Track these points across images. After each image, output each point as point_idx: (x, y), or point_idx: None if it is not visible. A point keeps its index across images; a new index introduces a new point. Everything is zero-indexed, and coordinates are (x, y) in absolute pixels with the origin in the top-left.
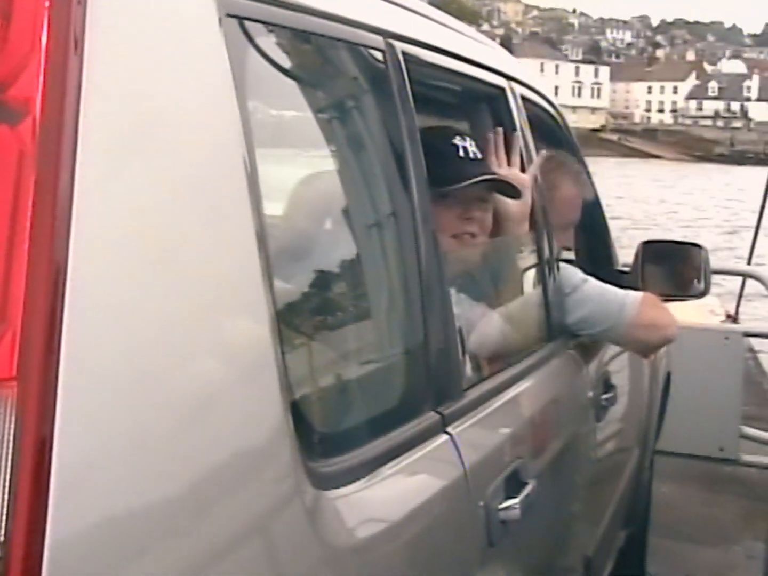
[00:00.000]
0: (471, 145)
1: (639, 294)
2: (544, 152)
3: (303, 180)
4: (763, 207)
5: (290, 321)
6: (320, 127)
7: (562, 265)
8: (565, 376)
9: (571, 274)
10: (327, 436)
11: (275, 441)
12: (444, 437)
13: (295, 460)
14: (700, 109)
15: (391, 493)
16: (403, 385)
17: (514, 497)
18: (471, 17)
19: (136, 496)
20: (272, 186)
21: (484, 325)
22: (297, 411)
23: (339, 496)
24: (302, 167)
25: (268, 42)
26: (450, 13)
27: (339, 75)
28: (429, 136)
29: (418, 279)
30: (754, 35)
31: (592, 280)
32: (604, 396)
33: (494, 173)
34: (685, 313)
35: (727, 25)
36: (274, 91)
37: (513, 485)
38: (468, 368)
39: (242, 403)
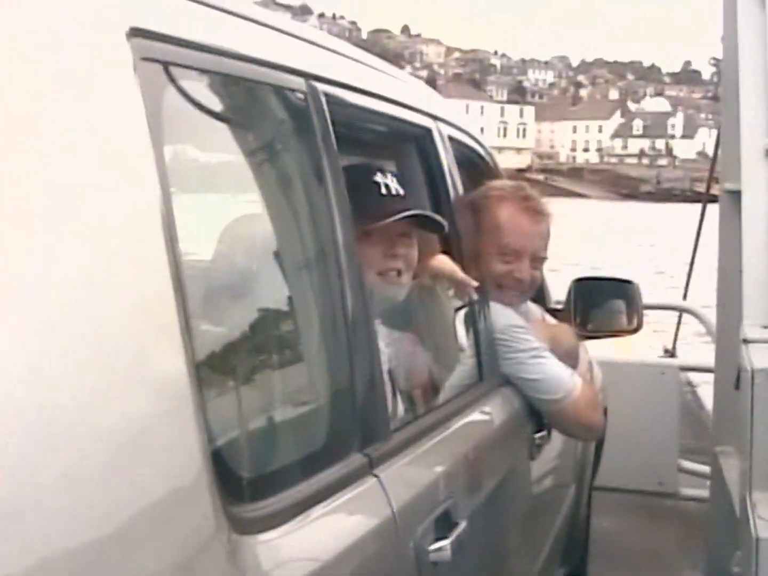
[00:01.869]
0: (393, 181)
1: (580, 389)
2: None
3: (226, 223)
4: (696, 243)
5: (212, 364)
6: (241, 170)
7: (522, 327)
8: (497, 415)
9: (530, 337)
10: (250, 481)
11: (194, 487)
12: (371, 479)
13: (215, 506)
14: (626, 147)
15: (317, 536)
16: (329, 428)
17: (445, 538)
18: (394, 59)
19: (51, 543)
20: (192, 229)
21: (414, 364)
22: (218, 456)
23: (262, 541)
24: (223, 211)
25: (186, 86)
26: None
27: (259, 118)
28: (350, 174)
29: (343, 319)
30: (673, 74)
31: (548, 353)
32: (538, 434)
33: (417, 209)
34: (623, 348)
35: (646, 64)
36: (192, 135)
37: (444, 525)
38: (397, 409)
39: (160, 448)
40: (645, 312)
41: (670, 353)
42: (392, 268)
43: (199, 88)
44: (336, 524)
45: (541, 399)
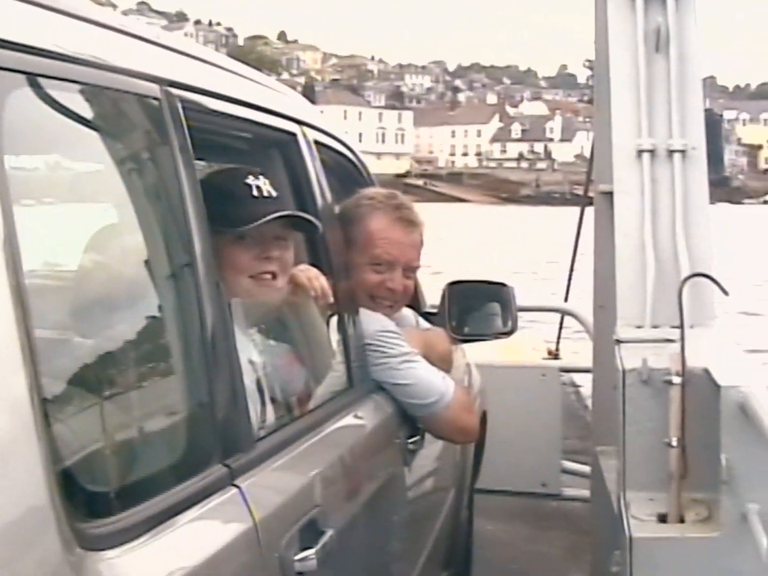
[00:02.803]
0: (265, 183)
1: (453, 392)
2: (365, 191)
3: (75, 235)
4: (576, 245)
5: (63, 375)
6: (90, 180)
7: (393, 332)
8: (368, 421)
9: (400, 342)
10: (100, 495)
11: (38, 503)
12: (232, 490)
13: (59, 522)
14: (504, 151)
15: (173, 550)
16: (187, 439)
17: (311, 547)
18: (271, 66)
19: None
20: (34, 241)
21: (284, 373)
22: (67, 471)
23: (111, 557)
24: (71, 222)
25: (32, 93)
26: (249, 63)
27: (110, 126)
28: (221, 178)
29: (201, 330)
30: (549, 77)
31: (420, 357)
32: (411, 439)
33: (289, 210)
34: (507, 351)
35: (522, 68)
36: (39, 144)
37: (309, 535)
38: (263, 418)
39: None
40: (530, 315)
41: (554, 355)
42: (266, 271)
43: (48, 96)
44: (194, 537)
45: (412, 404)
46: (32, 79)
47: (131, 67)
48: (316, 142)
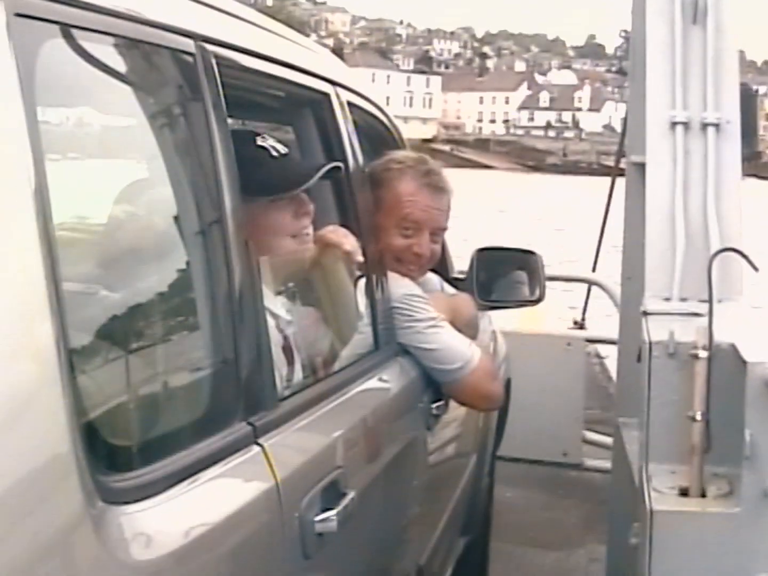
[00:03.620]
0: (274, 141)
1: (478, 358)
2: (393, 153)
3: (105, 188)
4: (606, 216)
5: (88, 329)
6: (121, 134)
7: (420, 296)
8: (392, 384)
9: (427, 307)
10: (123, 449)
11: (61, 456)
12: (255, 449)
13: (82, 475)
14: (532, 119)
15: (194, 506)
16: (210, 396)
17: (332, 508)
18: (299, 27)
19: None
20: (65, 194)
21: (311, 333)
22: (90, 425)
23: (133, 511)
24: (102, 176)
25: (65, 45)
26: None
27: (143, 80)
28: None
29: (227, 287)
30: (578, 47)
31: (446, 323)
32: (435, 404)
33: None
34: (532, 319)
35: (550, 37)
36: (71, 96)
37: (331, 496)
38: (288, 378)
39: (24, 416)
40: (557, 285)
41: (580, 325)
42: (305, 226)
43: (81, 48)
44: (215, 494)
45: (437, 369)
46: (66, 29)
47: (166, 21)
48: (349, 104)
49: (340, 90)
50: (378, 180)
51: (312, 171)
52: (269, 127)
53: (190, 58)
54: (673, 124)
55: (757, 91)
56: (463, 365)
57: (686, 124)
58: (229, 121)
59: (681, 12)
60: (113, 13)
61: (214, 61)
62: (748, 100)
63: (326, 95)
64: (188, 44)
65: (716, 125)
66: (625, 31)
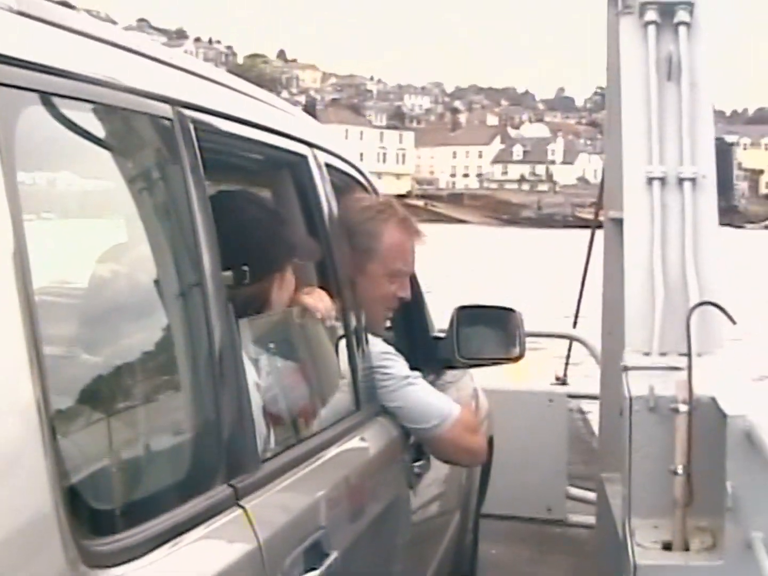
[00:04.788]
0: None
1: (457, 414)
2: (366, 199)
3: (85, 251)
4: (585, 271)
5: (72, 391)
6: (102, 198)
7: (394, 354)
8: (373, 444)
9: (401, 365)
10: (105, 513)
11: (43, 519)
12: (237, 511)
13: (64, 539)
14: (506, 173)
15: (178, 569)
16: (192, 458)
17: (315, 569)
18: (270, 84)
19: None
20: (46, 257)
21: (292, 394)
22: (73, 488)
23: (118, 575)
24: (82, 239)
25: (45, 111)
26: (250, 81)
27: (122, 145)
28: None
29: (208, 349)
30: (547, 100)
31: (421, 380)
32: (417, 463)
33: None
34: (514, 375)
35: (520, 90)
36: (52, 161)
37: (314, 557)
38: (269, 439)
39: (3, 480)
40: (539, 339)
41: (562, 381)
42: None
43: (60, 115)
44: (198, 557)
45: (414, 427)
46: (45, 97)
47: (144, 87)
48: (327, 165)
49: (317, 151)
50: (362, 231)
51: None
52: (247, 189)
53: (168, 123)
54: (650, 180)
55: (732, 144)
56: (439, 422)
57: (663, 179)
58: (208, 184)
59: (656, 69)
60: (91, 81)
61: (191, 126)
62: (724, 153)
63: (304, 157)
64: (166, 110)
65: (693, 180)
66: (600, 88)
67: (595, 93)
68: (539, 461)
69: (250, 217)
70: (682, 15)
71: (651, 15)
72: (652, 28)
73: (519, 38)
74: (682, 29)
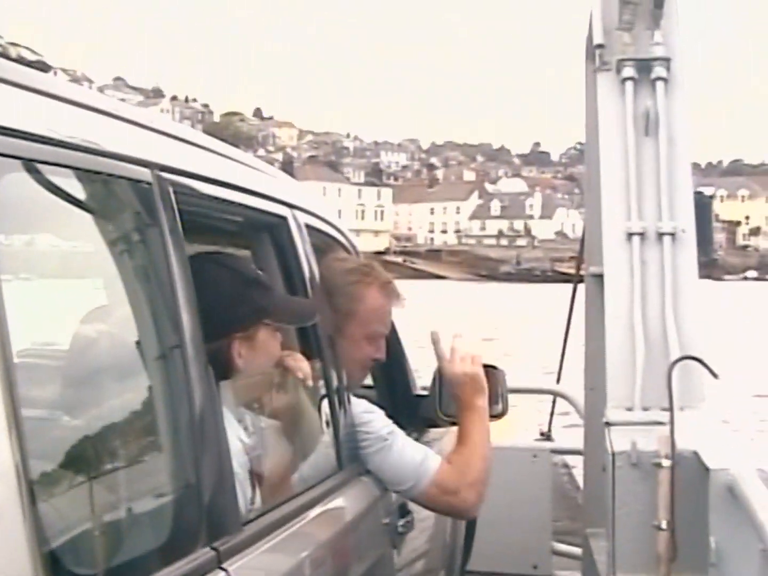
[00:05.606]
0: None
1: (431, 475)
2: (348, 261)
3: (65, 314)
4: (568, 326)
5: (50, 455)
6: (81, 261)
7: (373, 410)
8: (356, 505)
9: (382, 422)
10: None
11: None
12: (220, 574)
13: None
14: (484, 228)
15: None
16: (174, 522)
17: None
18: (247, 142)
19: None
20: (25, 319)
21: (274, 456)
22: (52, 554)
23: None
24: (62, 302)
25: (24, 177)
26: (225, 139)
27: (101, 209)
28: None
29: (189, 411)
30: (523, 155)
31: (397, 432)
32: (401, 521)
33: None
34: (498, 431)
35: (496, 146)
36: (31, 225)
37: None
38: (251, 501)
39: None
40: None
41: (546, 436)
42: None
43: (40, 180)
44: None
45: (393, 489)
46: (26, 163)
47: (123, 151)
48: (307, 226)
49: (297, 212)
50: (346, 293)
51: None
52: (228, 251)
53: (147, 187)
54: (629, 235)
55: (711, 197)
56: (413, 484)
57: (642, 235)
58: (187, 246)
59: (633, 124)
60: (70, 146)
61: (171, 189)
62: (703, 206)
63: (284, 218)
64: (145, 173)
65: (672, 234)
66: (580, 143)
67: (571, 148)
68: (524, 517)
69: (207, 278)
70: (659, 71)
71: (628, 71)
72: (629, 84)
73: (492, 93)
74: (659, 85)
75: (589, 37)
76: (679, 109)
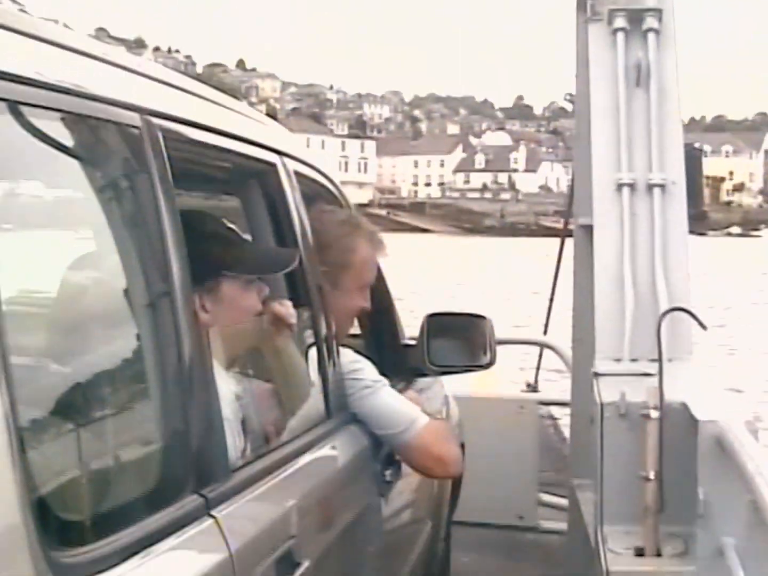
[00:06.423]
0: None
1: (427, 422)
2: (337, 212)
3: (53, 262)
4: (556, 278)
5: (39, 402)
6: (69, 207)
7: (360, 359)
8: (344, 453)
9: (371, 372)
10: (75, 524)
11: (11, 531)
12: (208, 521)
13: (33, 551)
14: (468, 181)
15: None
16: (162, 468)
17: None
18: (230, 94)
19: None
20: (12, 267)
21: (263, 404)
22: (41, 499)
23: None
24: (49, 249)
25: (9, 120)
26: None
27: (89, 154)
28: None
29: (178, 359)
30: (506, 108)
31: (386, 382)
32: (388, 471)
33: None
34: (484, 382)
35: (479, 99)
36: (18, 170)
37: (285, 566)
38: (239, 449)
39: None
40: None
41: (533, 387)
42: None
43: (27, 123)
44: (169, 568)
45: (382, 434)
46: (12, 105)
47: (112, 95)
48: (296, 173)
49: (286, 159)
50: (338, 246)
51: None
52: (217, 197)
53: (136, 132)
54: (619, 186)
55: (701, 150)
56: (407, 427)
57: (632, 186)
58: (177, 193)
59: (624, 76)
60: (58, 89)
61: (160, 134)
62: (693, 160)
63: (273, 165)
64: (134, 118)
65: (662, 186)
66: (570, 95)
67: (554, 102)
68: (511, 469)
69: None
70: (650, 22)
71: (620, 22)
72: (620, 35)
73: (474, 46)
74: (650, 36)
75: None
76: (670, 61)
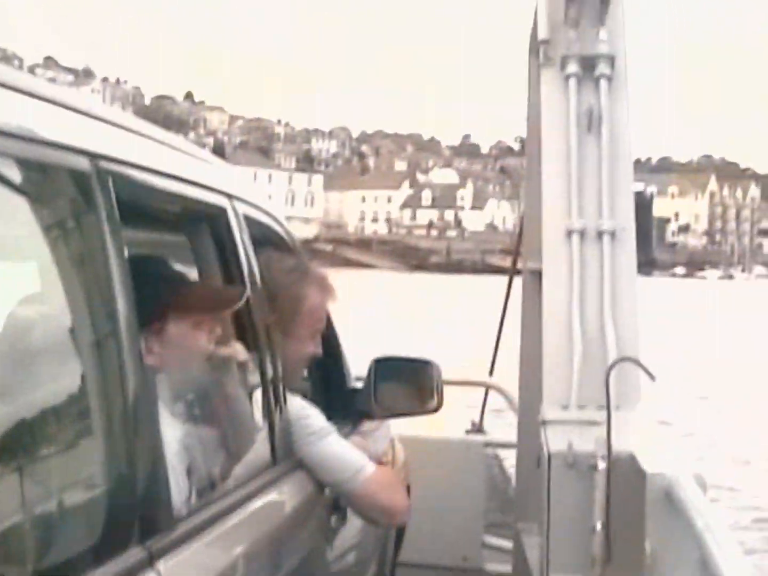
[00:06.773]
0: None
1: (373, 470)
2: (287, 259)
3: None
4: (503, 318)
5: None
6: (17, 250)
7: (309, 407)
8: (290, 500)
9: (318, 418)
10: None
11: None
12: (151, 574)
13: None
14: (414, 218)
15: None
16: (105, 519)
17: None
18: (178, 126)
19: None
20: None
21: (204, 449)
22: None
23: None
24: None
25: None
26: (157, 122)
27: (37, 200)
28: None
29: (122, 404)
30: (453, 147)
31: (333, 431)
32: (333, 516)
33: None
34: (430, 423)
35: (426, 137)
36: None
37: None
38: (183, 497)
39: None
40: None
41: (478, 428)
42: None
43: None
44: None
45: (329, 481)
46: None
47: (61, 140)
48: (246, 216)
49: (236, 203)
50: (287, 295)
51: (235, 295)
52: (167, 240)
53: (84, 177)
54: (569, 233)
55: (652, 195)
56: (352, 476)
57: (582, 233)
58: (125, 235)
59: (576, 121)
60: (6, 133)
61: (109, 178)
62: (644, 205)
63: (223, 210)
64: (83, 162)
65: (612, 233)
66: (521, 138)
67: (500, 141)
68: (455, 510)
69: None
70: (602, 68)
71: (572, 67)
72: (573, 81)
73: (423, 84)
74: (602, 82)
75: (534, 33)
76: (621, 107)
